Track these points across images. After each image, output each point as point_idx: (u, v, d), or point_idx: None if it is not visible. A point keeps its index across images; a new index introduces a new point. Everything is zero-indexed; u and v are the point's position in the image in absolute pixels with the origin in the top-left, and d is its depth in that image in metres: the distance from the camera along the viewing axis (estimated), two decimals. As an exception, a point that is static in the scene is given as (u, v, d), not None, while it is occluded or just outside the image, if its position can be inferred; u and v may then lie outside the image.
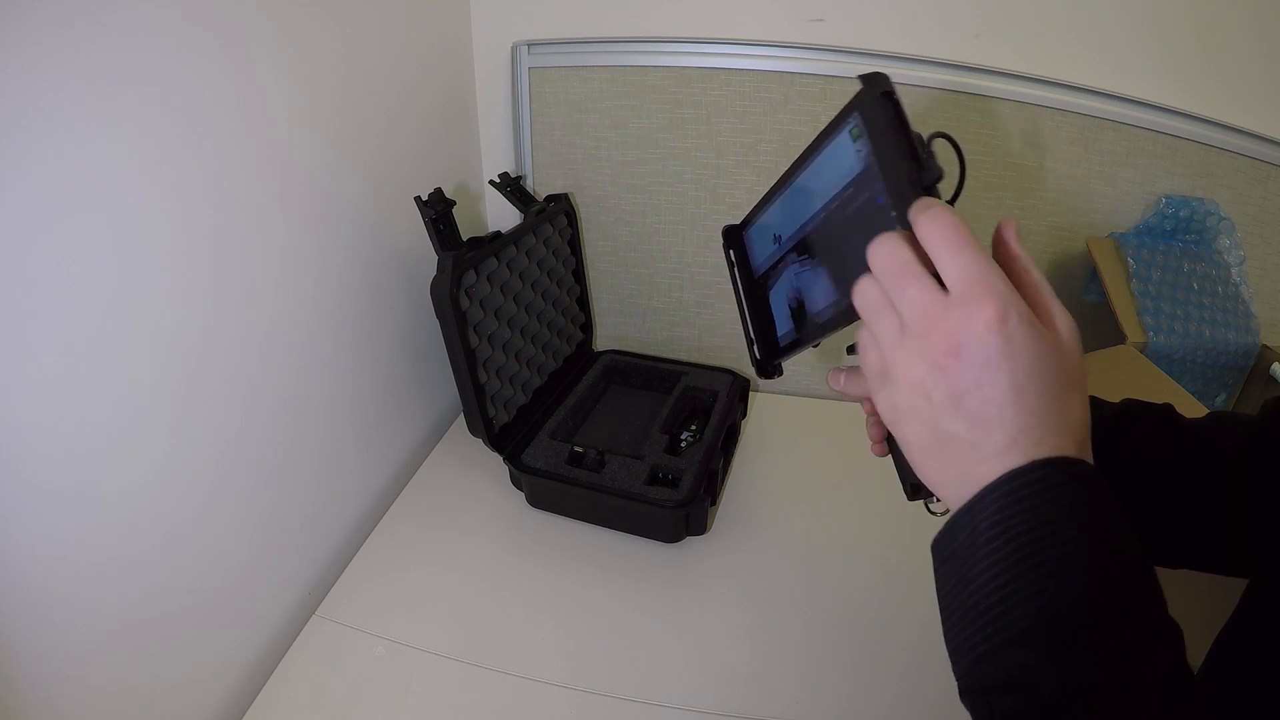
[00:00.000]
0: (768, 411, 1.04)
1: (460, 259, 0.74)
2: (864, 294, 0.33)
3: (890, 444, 0.42)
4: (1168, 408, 0.46)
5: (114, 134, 0.47)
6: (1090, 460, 0.30)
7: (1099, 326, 0.97)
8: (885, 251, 0.31)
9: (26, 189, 0.42)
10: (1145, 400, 0.47)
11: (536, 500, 0.84)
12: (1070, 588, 0.27)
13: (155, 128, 0.50)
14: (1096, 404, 0.46)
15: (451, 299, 0.74)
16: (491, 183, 0.94)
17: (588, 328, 1.09)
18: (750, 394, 1.01)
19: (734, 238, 0.52)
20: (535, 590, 0.74)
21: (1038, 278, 0.32)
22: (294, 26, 0.63)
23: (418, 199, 0.73)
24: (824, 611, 0.71)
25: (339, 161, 0.72)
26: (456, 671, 0.65)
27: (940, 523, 0.32)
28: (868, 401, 0.42)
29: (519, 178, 0.97)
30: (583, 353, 1.08)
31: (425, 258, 0.75)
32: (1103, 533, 0.28)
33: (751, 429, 1.00)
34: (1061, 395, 0.29)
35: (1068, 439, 0.29)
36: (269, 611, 0.69)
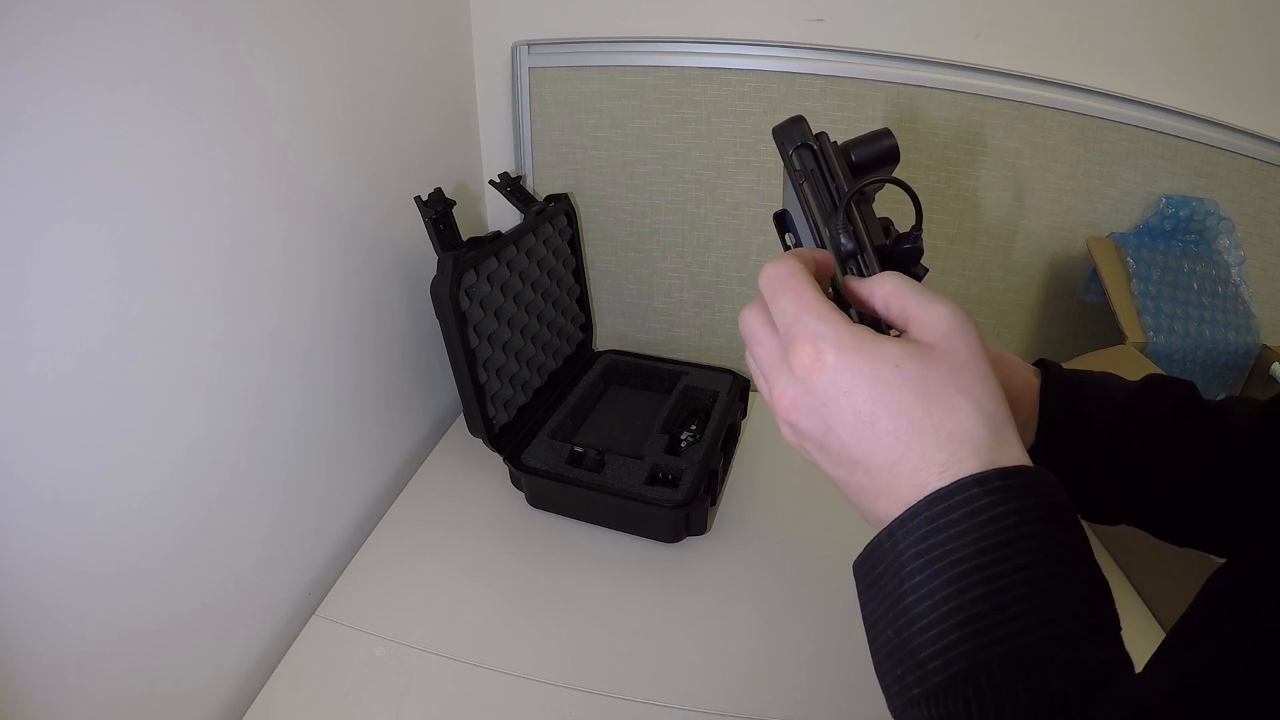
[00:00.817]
0: (768, 411, 1.02)
1: (460, 259, 0.74)
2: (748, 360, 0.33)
3: None
4: (1189, 385, 0.44)
5: (118, 137, 0.47)
6: (1013, 451, 0.27)
7: (1099, 326, 0.97)
8: (745, 317, 0.32)
9: (28, 191, 0.42)
10: (1168, 376, 0.46)
11: (536, 500, 0.84)
12: (1002, 633, 0.23)
13: (159, 130, 0.50)
14: (1116, 380, 0.45)
15: (451, 299, 0.74)
16: (491, 183, 0.93)
17: (588, 328, 1.09)
18: (750, 394, 1.01)
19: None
20: (535, 590, 0.74)
21: (878, 290, 0.31)
22: (294, 26, 0.63)
23: (418, 199, 0.73)
24: (825, 610, 0.71)
25: (339, 162, 0.72)
26: (456, 671, 0.65)
27: None
28: None
29: (519, 178, 0.97)
30: (583, 353, 1.08)
31: (425, 257, 0.75)
32: (1026, 558, 0.24)
33: (752, 429, 0.99)
34: (932, 405, 0.26)
35: (961, 448, 0.26)
36: (269, 611, 0.69)
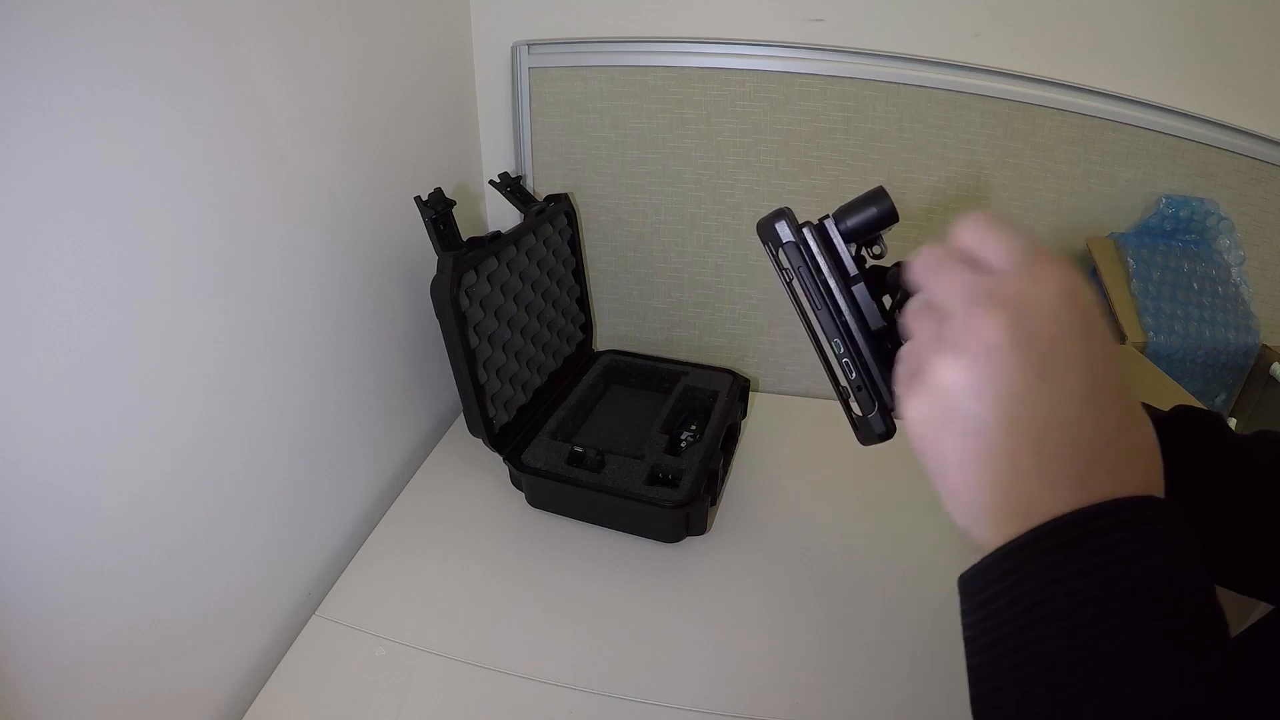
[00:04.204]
0: (768, 411, 1.04)
1: (460, 259, 0.74)
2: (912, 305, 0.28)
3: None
4: (1217, 417, 0.43)
5: (116, 136, 0.47)
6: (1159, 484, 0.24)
7: (1099, 326, 0.97)
8: (922, 258, 0.28)
9: (27, 189, 0.42)
10: (1195, 407, 0.45)
11: (536, 500, 0.84)
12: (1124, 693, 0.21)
13: (156, 129, 0.50)
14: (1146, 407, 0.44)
15: (451, 299, 0.74)
16: (491, 182, 0.93)
17: (588, 328, 1.08)
18: (750, 394, 1.01)
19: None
20: (535, 590, 0.74)
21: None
22: (294, 26, 0.63)
23: (418, 199, 0.73)
24: (826, 610, 0.71)
25: (338, 161, 0.72)
26: (456, 671, 0.65)
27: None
28: None
29: (519, 178, 0.97)
30: (583, 353, 1.07)
31: (426, 257, 0.75)
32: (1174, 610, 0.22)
33: (752, 429, 0.99)
34: (1136, 407, 0.23)
35: (1144, 463, 0.23)
36: (269, 611, 0.69)
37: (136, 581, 0.53)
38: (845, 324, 0.36)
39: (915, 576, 0.72)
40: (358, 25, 0.72)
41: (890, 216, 0.38)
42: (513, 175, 0.96)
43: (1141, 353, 0.86)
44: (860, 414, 0.38)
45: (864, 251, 0.39)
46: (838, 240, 0.38)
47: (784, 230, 0.39)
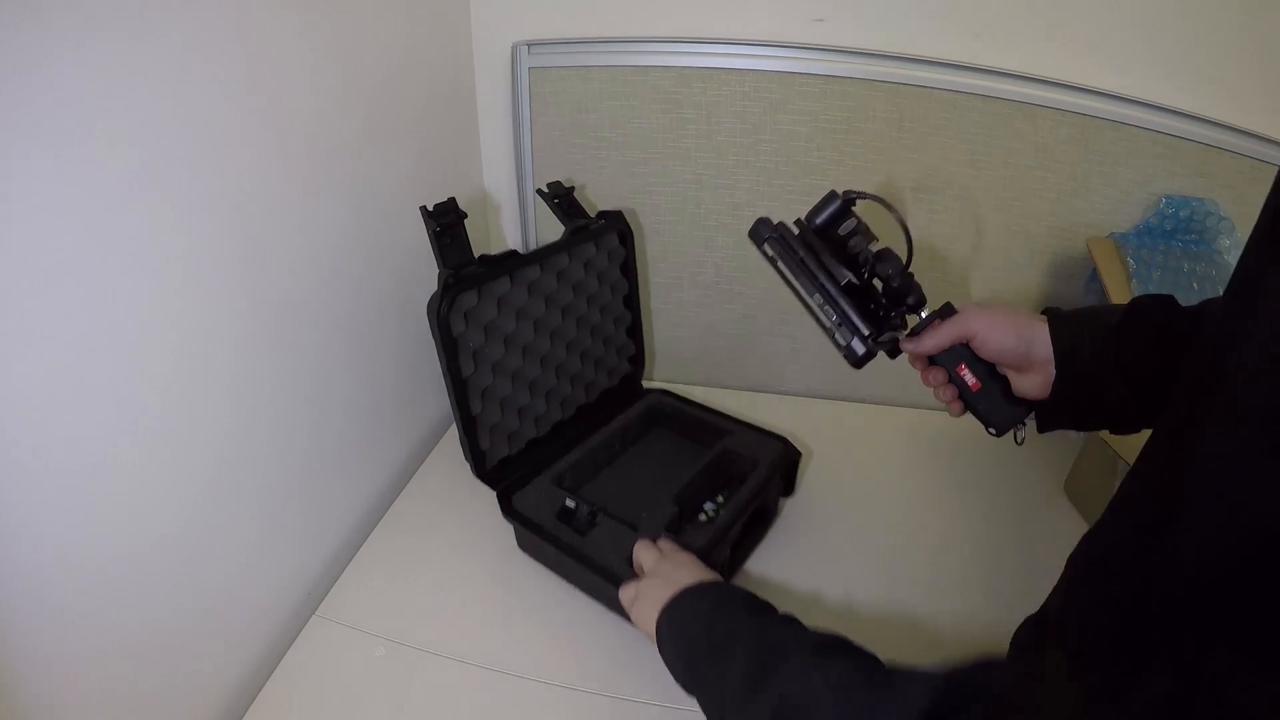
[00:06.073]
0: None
1: (458, 278, 0.69)
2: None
3: (963, 398, 0.53)
4: (1168, 297, 0.51)
5: (120, 137, 0.47)
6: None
7: (1099, 326, 0.97)
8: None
9: (26, 188, 0.42)
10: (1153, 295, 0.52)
11: (523, 544, 0.76)
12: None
13: (166, 131, 0.50)
14: (1109, 306, 0.54)
15: (440, 322, 0.69)
16: (539, 192, 0.86)
17: (638, 360, 0.98)
18: (800, 469, 0.86)
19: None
20: (536, 590, 0.74)
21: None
22: (293, 26, 0.63)
23: (423, 209, 0.70)
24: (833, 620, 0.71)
25: (337, 162, 0.72)
26: (456, 671, 0.65)
27: None
28: (931, 372, 0.55)
29: (571, 188, 0.88)
30: (628, 388, 0.97)
31: (430, 259, 0.74)
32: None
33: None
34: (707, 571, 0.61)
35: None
36: (269, 611, 0.69)
37: (136, 582, 0.53)
38: (820, 282, 0.51)
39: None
40: (357, 25, 0.72)
41: (842, 211, 0.54)
42: (566, 185, 0.88)
43: (1141, 353, 0.86)
44: (844, 344, 0.52)
45: (837, 232, 0.55)
46: (805, 230, 0.55)
47: (764, 229, 0.56)
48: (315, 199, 0.69)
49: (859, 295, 0.53)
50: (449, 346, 0.71)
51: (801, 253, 0.52)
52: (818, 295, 0.52)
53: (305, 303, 0.69)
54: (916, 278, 0.55)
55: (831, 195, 0.54)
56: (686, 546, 0.66)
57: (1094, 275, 0.93)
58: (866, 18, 0.89)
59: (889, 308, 0.55)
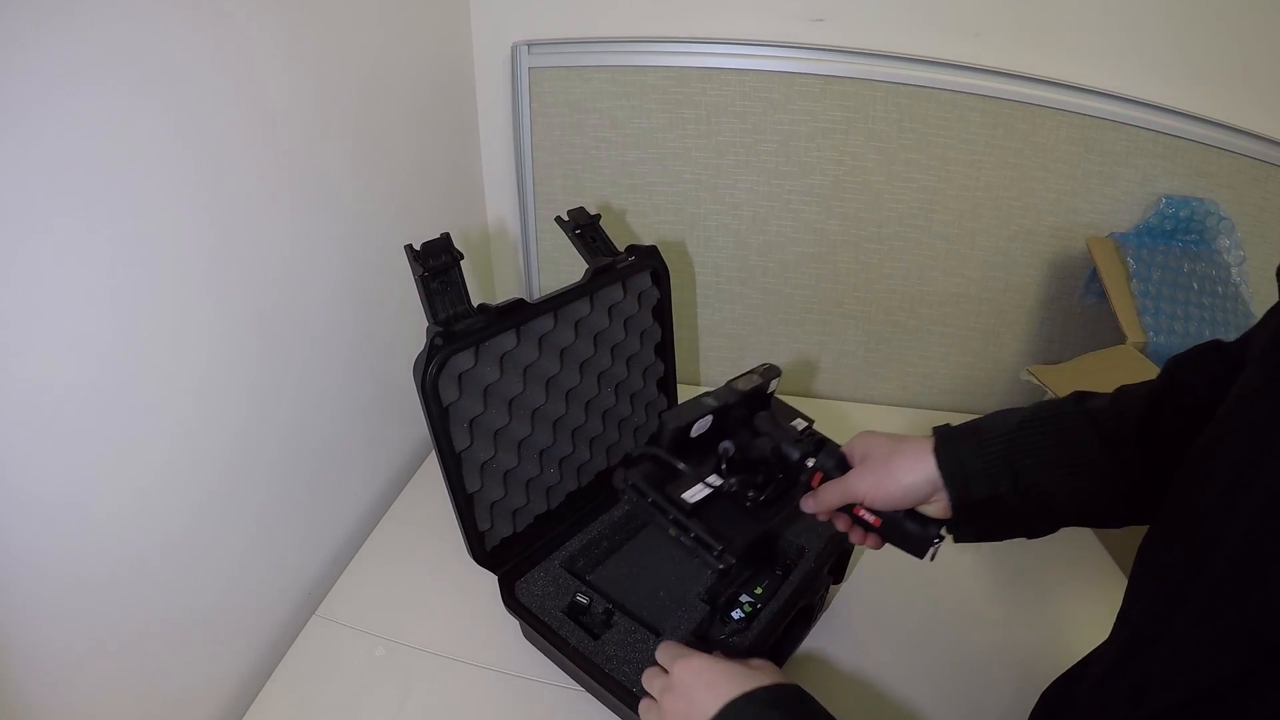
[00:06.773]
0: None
1: (449, 335, 0.56)
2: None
3: (880, 532, 0.51)
4: (1071, 395, 0.50)
5: (119, 140, 0.47)
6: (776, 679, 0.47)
7: (1099, 326, 0.97)
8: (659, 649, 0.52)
9: (24, 189, 0.42)
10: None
11: (528, 635, 0.66)
12: None
13: (160, 131, 0.50)
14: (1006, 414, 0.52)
15: (425, 390, 0.56)
16: (559, 220, 0.72)
17: None
18: (852, 558, 0.73)
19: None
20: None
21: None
22: (292, 26, 0.63)
23: (408, 248, 0.56)
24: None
25: (336, 162, 0.72)
26: (456, 671, 0.65)
27: None
28: (836, 518, 0.53)
29: (597, 216, 0.74)
30: None
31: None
32: None
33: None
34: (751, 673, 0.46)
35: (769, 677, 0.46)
36: (269, 611, 0.69)
37: (136, 583, 0.53)
38: (671, 516, 0.52)
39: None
40: (357, 25, 0.72)
41: (718, 421, 0.56)
42: (591, 213, 0.73)
43: (1142, 353, 0.86)
44: (705, 558, 0.53)
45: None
46: (648, 483, 0.54)
47: (619, 482, 0.56)
48: (315, 200, 0.69)
49: (725, 497, 0.54)
50: (438, 418, 0.58)
51: (652, 496, 0.53)
52: (671, 529, 0.52)
53: (303, 305, 0.69)
54: (805, 431, 0.58)
55: (701, 405, 0.55)
56: (728, 652, 0.50)
57: (1094, 275, 0.93)
58: (866, 18, 0.89)
59: (780, 480, 0.55)
